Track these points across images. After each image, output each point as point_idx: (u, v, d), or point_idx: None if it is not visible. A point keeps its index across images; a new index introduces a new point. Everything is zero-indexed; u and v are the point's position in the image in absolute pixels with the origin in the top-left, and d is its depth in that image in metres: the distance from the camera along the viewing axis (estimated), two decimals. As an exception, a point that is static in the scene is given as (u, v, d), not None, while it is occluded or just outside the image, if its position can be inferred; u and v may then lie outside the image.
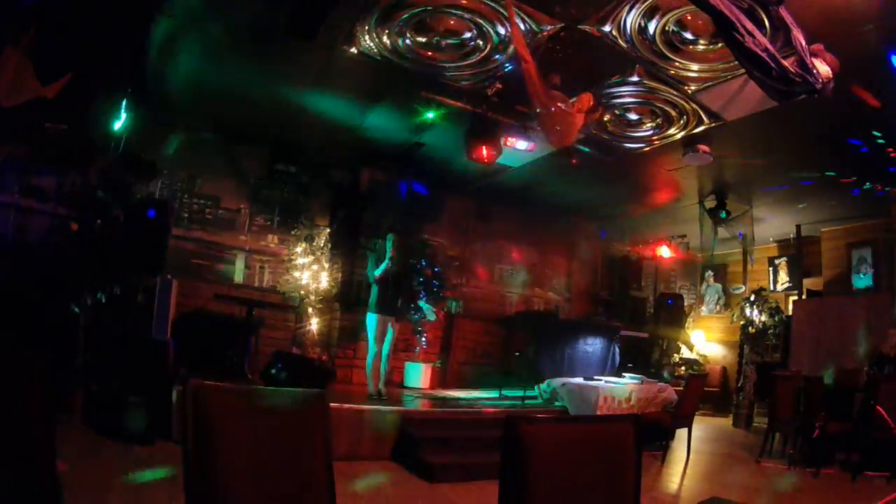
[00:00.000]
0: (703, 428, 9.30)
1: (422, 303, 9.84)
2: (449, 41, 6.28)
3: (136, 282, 7.35)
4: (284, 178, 9.81)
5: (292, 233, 9.81)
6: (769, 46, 3.89)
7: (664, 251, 12.67)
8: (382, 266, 7.68)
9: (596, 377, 8.99)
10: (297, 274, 9.52)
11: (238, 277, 9.52)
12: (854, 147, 7.28)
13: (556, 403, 8.36)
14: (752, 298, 11.65)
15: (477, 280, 11.73)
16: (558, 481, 1.92)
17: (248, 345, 8.06)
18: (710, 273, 13.78)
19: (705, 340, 13.40)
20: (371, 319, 7.67)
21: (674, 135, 7.85)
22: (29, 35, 5.54)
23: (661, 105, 7.17)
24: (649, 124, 7.75)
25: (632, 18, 5.47)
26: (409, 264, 7.82)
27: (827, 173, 8.33)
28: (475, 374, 10.35)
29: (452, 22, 5.99)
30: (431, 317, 9.89)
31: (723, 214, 10.03)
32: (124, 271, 7.17)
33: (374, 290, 7.72)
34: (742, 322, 11.68)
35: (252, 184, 9.74)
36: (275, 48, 6.50)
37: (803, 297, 11.27)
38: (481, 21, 5.87)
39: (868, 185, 8.37)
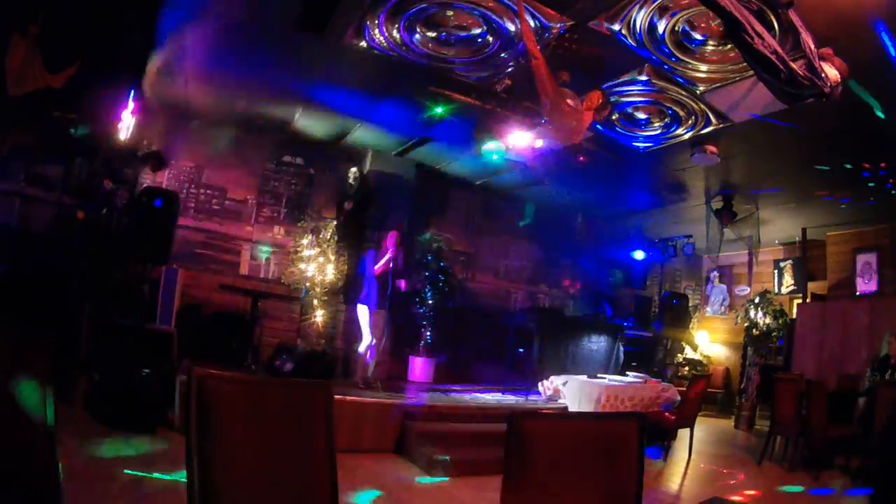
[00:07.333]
0: (704, 429, 9.29)
1: None
2: (459, 36, 6.27)
3: (141, 271, 7.38)
4: (291, 170, 9.88)
5: (299, 224, 9.82)
6: (778, 49, 3.88)
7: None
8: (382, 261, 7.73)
9: (599, 375, 8.98)
10: (302, 266, 9.52)
11: (243, 268, 9.55)
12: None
13: (560, 400, 8.36)
14: (757, 300, 11.61)
15: (483, 275, 11.74)
16: (561, 477, 1.92)
17: (252, 336, 8.09)
18: (715, 274, 13.75)
19: (709, 341, 13.37)
20: (362, 311, 7.76)
21: (681, 135, 7.82)
22: (37, 24, 5.54)
23: (669, 105, 7.15)
24: (657, 124, 7.72)
25: (641, 17, 5.46)
26: (395, 259, 7.77)
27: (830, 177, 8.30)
28: (479, 369, 10.35)
29: (463, 17, 5.97)
30: None
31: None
32: (129, 261, 7.20)
33: (372, 283, 7.78)
34: (746, 324, 11.65)
35: (259, 175, 9.76)
36: (284, 40, 6.50)
37: (808, 300, 11.25)
38: (492, 17, 5.87)
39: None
